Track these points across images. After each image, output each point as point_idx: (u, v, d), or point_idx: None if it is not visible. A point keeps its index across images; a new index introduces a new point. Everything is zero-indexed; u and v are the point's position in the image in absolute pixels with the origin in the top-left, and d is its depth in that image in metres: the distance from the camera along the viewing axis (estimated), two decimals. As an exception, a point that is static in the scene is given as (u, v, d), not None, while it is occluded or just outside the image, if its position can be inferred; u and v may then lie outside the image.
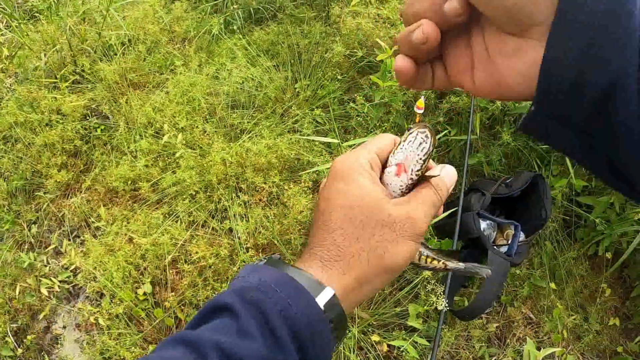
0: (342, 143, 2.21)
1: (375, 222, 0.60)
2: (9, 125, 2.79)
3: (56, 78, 2.93)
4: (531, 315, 2.31)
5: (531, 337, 2.17)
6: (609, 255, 2.37)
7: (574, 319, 2.24)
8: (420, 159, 0.65)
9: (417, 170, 0.66)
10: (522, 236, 2.17)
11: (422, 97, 0.80)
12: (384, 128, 2.45)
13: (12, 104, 2.80)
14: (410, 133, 0.66)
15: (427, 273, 2.03)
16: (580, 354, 2.21)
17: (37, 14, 3.54)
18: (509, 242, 2.15)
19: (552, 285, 2.32)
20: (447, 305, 1.76)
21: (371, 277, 0.60)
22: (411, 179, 0.66)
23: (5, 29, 3.39)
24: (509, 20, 0.48)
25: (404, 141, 0.67)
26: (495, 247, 2.11)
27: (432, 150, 0.66)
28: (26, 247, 2.61)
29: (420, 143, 0.65)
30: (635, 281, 2.38)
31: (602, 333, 2.27)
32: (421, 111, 0.77)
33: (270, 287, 0.56)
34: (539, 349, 1.91)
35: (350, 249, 0.60)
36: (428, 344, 1.97)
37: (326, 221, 0.62)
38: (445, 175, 0.67)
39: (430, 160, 0.69)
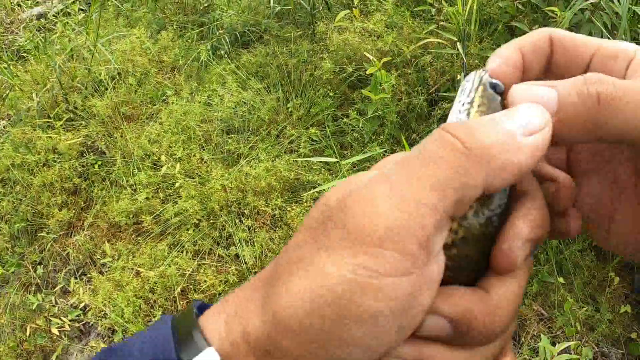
0: (341, 161, 2.22)
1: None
2: (6, 168, 2.80)
3: (49, 117, 2.95)
4: (543, 311, 2.33)
5: (545, 333, 2.18)
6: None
7: (586, 311, 2.26)
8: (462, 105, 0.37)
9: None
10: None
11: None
12: (379, 141, 2.47)
13: (8, 147, 2.81)
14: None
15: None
16: (595, 345, 2.22)
17: (25, 54, 3.56)
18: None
19: (561, 279, 2.34)
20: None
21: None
22: None
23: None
24: None
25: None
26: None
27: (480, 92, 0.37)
28: (33, 288, 2.61)
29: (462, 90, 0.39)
30: (642, 267, 2.40)
31: (615, 321, 2.28)
32: None
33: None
34: (553, 344, 1.93)
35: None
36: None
37: None
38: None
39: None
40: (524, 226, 0.33)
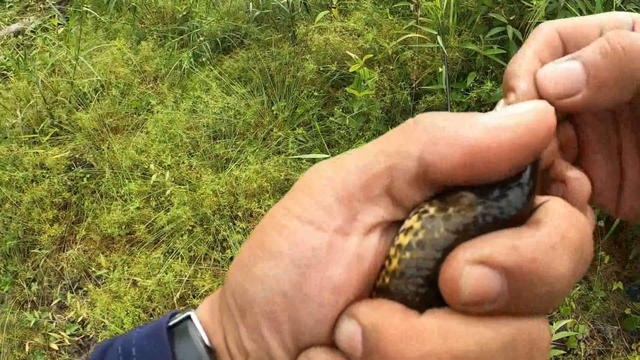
0: (329, 158, 2.25)
1: None
2: (-7, 187, 2.79)
3: (35, 133, 2.94)
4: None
5: (540, 317, 2.22)
6: (601, 223, 2.44)
7: (579, 290, 2.30)
8: None
9: None
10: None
11: None
12: (366, 137, 2.50)
13: (-6, 165, 2.80)
14: None
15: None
16: (591, 322, 2.27)
17: (5, 72, 3.54)
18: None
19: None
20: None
21: None
22: None
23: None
24: None
25: None
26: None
27: None
28: (29, 305, 2.60)
29: None
30: (631, 244, 2.45)
31: (608, 299, 2.33)
32: None
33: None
34: (550, 323, 1.97)
35: None
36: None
37: None
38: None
39: None
40: (479, 242, 0.26)
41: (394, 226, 0.29)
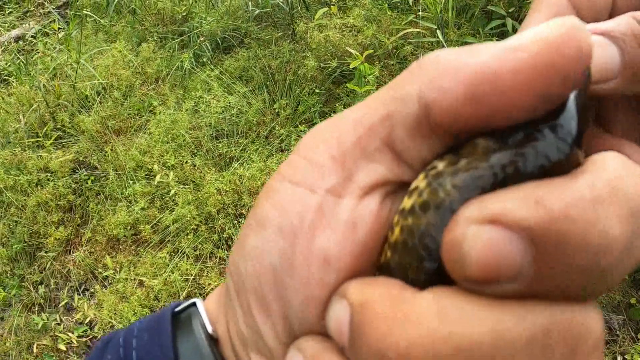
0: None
1: None
2: (-2, 192, 2.80)
3: (38, 137, 2.95)
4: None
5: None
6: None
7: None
8: None
9: None
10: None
11: None
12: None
13: (-1, 170, 2.82)
14: None
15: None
16: (596, 315, 2.28)
17: (6, 77, 3.55)
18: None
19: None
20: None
21: None
22: None
23: (-23, 97, 3.40)
24: None
25: None
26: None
27: None
28: (36, 308, 2.61)
29: None
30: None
31: (614, 288, 2.34)
32: None
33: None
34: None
35: None
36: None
37: None
38: None
39: None
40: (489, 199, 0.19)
41: (401, 190, 0.24)
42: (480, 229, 0.18)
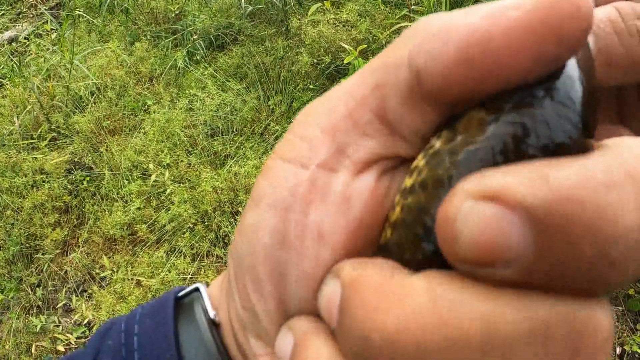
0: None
1: None
2: (-6, 194, 2.79)
3: (33, 138, 2.94)
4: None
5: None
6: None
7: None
8: None
9: None
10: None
11: None
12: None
13: (-6, 173, 2.81)
14: None
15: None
16: (594, 307, 2.28)
17: (0, 80, 3.54)
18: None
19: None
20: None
21: None
22: None
23: (-29, 100, 3.39)
24: None
25: None
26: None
27: None
28: (34, 310, 2.61)
29: None
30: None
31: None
32: None
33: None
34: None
35: None
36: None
37: None
38: None
39: None
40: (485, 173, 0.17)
41: (401, 167, 0.24)
42: (477, 205, 0.16)
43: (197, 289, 0.32)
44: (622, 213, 0.15)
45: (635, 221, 0.15)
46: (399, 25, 2.62)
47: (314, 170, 0.23)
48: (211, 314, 0.30)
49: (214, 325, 0.29)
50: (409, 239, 0.20)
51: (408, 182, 0.21)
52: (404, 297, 0.18)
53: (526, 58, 0.17)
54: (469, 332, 0.16)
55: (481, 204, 0.16)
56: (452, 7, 2.67)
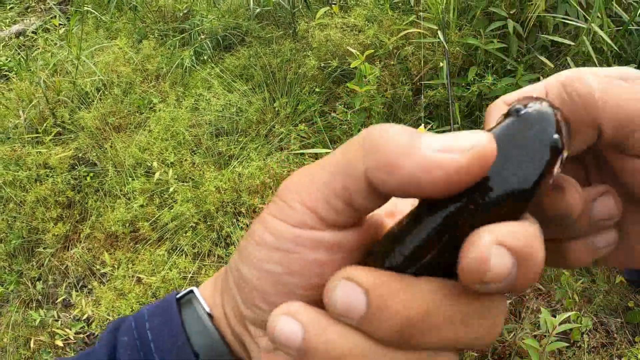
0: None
1: None
2: (-3, 187, 2.80)
3: (38, 133, 2.95)
4: (540, 286, 2.37)
5: (544, 307, 2.23)
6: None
7: (582, 283, 2.31)
8: None
9: None
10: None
11: (423, 125, 0.77)
12: (368, 133, 2.50)
13: (-2, 165, 2.82)
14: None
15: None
16: (594, 315, 2.27)
17: (7, 73, 3.55)
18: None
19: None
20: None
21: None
22: None
23: (-23, 92, 3.40)
24: None
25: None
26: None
27: None
28: (34, 304, 2.61)
29: None
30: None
31: (611, 292, 2.33)
32: None
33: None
34: (554, 316, 1.97)
35: None
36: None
37: None
38: None
39: None
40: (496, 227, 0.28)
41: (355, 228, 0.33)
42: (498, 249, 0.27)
43: (191, 291, 0.40)
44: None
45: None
46: (406, 32, 2.62)
47: (307, 229, 0.31)
48: (207, 309, 0.38)
49: (210, 317, 0.38)
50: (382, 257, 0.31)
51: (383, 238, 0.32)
52: (415, 292, 0.28)
53: (456, 187, 0.27)
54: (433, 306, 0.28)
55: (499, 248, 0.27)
56: (460, 16, 2.67)
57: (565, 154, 0.29)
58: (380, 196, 0.29)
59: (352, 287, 0.29)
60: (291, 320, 0.30)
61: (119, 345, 0.39)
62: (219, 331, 0.38)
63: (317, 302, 0.32)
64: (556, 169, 0.29)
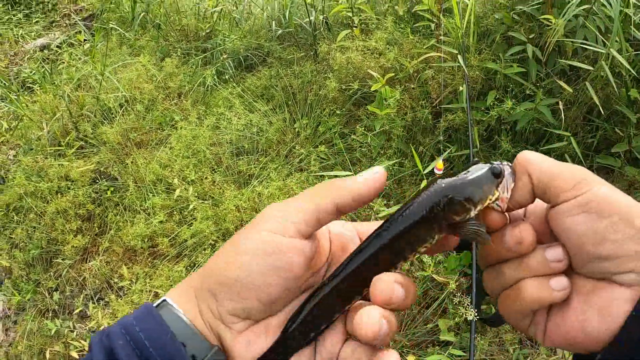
0: (354, 175, 2.28)
1: None
2: (18, 197, 2.84)
3: (60, 145, 3.00)
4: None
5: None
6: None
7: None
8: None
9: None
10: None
11: (441, 159, 0.80)
12: (387, 155, 2.53)
13: (20, 175, 2.86)
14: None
15: (452, 285, 2.09)
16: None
17: (31, 85, 3.62)
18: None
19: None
20: (476, 315, 1.79)
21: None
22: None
23: (1, 101, 3.46)
24: (595, 270, 0.47)
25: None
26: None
27: None
28: (50, 314, 2.64)
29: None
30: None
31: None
32: (440, 172, 0.75)
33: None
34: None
35: None
36: (464, 354, 2.02)
37: None
38: None
39: None
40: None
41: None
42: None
43: (164, 300, 0.51)
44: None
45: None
46: (426, 55, 2.65)
47: (288, 239, 0.51)
48: (181, 310, 0.51)
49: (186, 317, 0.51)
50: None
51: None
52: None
53: (368, 199, 0.53)
54: None
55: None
56: (479, 40, 2.70)
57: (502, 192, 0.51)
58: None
59: (390, 280, 0.51)
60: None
61: (118, 348, 0.48)
62: (195, 325, 0.50)
63: (289, 288, 0.51)
64: (493, 191, 0.50)
